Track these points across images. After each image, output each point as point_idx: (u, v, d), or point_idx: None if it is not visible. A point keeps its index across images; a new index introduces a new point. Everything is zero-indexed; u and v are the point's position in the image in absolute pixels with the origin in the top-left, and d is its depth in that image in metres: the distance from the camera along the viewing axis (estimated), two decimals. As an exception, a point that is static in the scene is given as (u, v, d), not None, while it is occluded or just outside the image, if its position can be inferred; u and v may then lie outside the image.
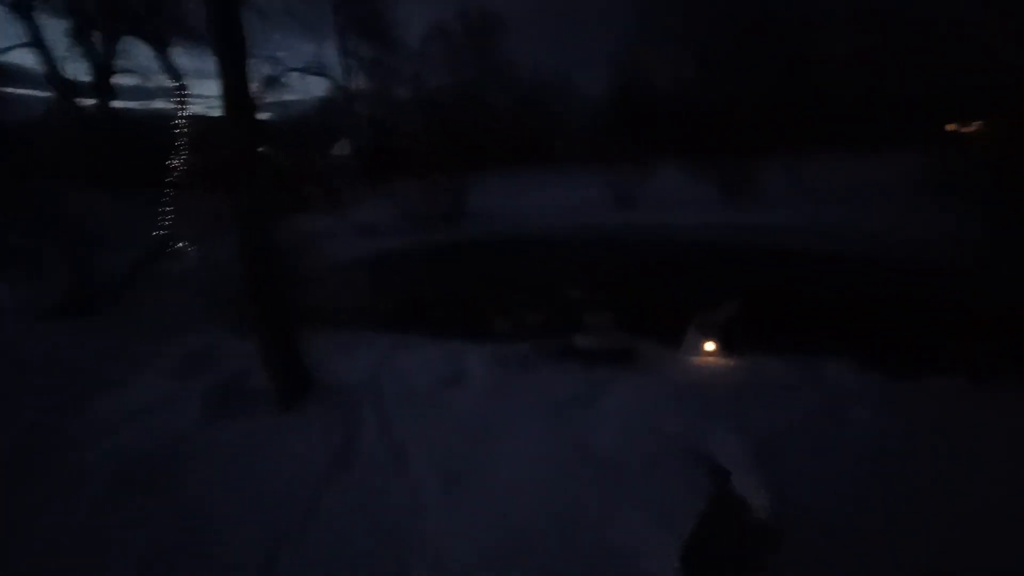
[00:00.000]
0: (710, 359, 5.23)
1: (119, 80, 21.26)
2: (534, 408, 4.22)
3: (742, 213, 14.76)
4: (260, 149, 4.15)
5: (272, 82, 24.38)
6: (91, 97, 20.21)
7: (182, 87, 11.69)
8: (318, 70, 25.01)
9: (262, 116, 11.48)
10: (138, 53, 19.19)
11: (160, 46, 12.50)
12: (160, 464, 3.82)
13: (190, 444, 4.06)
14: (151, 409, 4.67)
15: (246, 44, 4.16)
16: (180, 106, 11.87)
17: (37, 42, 18.51)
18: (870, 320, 6.55)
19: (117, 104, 20.98)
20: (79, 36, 19.22)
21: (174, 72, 11.91)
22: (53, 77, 18.97)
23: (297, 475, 3.64)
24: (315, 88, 27.70)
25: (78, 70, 19.94)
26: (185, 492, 3.55)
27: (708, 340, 5.36)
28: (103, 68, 19.94)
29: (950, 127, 19.72)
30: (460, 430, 4.01)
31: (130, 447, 4.04)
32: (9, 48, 18.70)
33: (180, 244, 10.45)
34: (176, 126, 12.24)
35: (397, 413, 4.37)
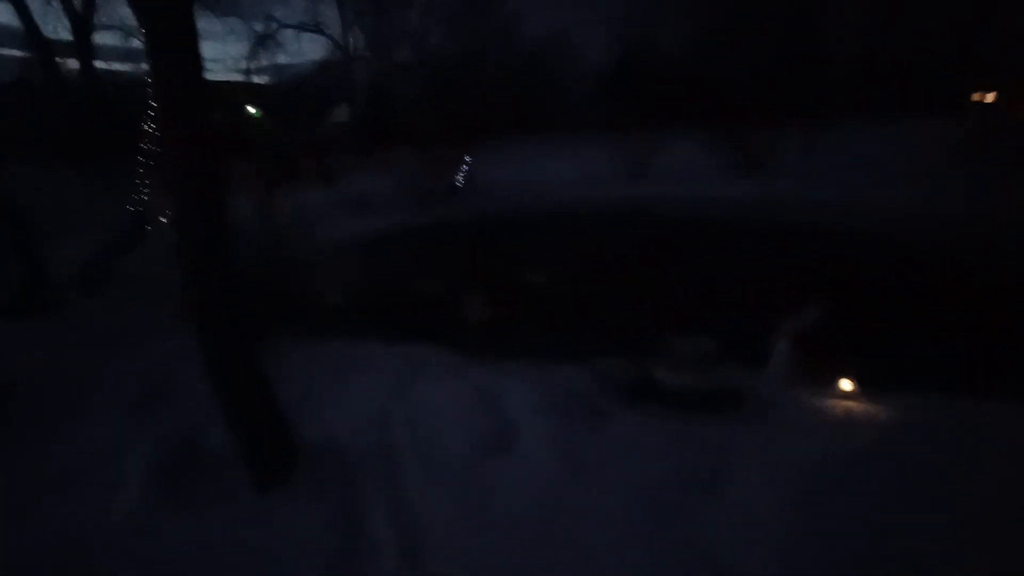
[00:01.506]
0: (850, 401, 3.69)
1: (100, 39, 19.83)
2: (621, 494, 2.80)
3: (762, 185, 13.55)
4: (208, 109, 2.83)
5: (263, 40, 22.84)
6: (70, 57, 18.74)
7: None
8: (314, 27, 23.39)
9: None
10: (121, 9, 17.51)
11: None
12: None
13: (115, 551, 2.67)
14: (71, 485, 3.22)
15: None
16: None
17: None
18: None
19: (98, 65, 19.66)
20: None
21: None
22: (30, 35, 17.45)
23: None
24: (310, 48, 26.12)
25: (57, 27, 18.44)
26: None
27: (823, 366, 3.96)
28: (82, 24, 18.38)
29: (977, 96, 18.40)
30: (511, 530, 2.67)
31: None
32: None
33: (155, 229, 9.02)
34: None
35: (418, 500, 2.95)
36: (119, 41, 19.83)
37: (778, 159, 15.06)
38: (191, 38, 2.68)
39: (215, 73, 22.97)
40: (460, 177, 15.19)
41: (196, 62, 2.72)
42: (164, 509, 2.94)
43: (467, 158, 15.32)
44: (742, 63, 19.83)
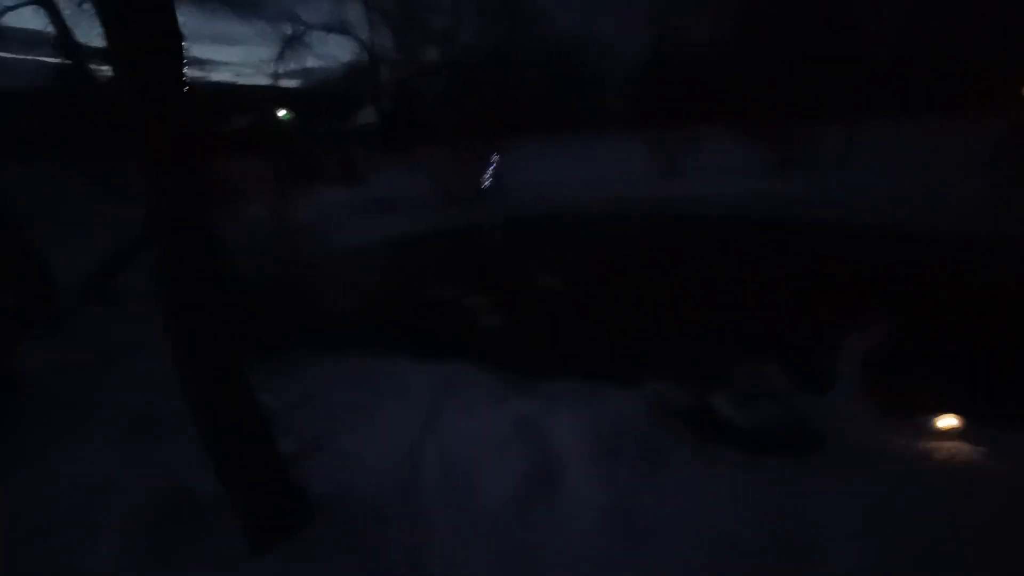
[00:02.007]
0: (952, 441, 3.01)
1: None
2: (686, 558, 2.31)
3: (802, 183, 12.73)
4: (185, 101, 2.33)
5: (290, 42, 22.64)
6: (104, 64, 18.72)
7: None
8: (341, 28, 23.06)
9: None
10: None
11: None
12: None
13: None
14: (47, 531, 2.75)
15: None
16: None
17: (44, 1, 16.95)
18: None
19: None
20: (89, -6, 17.57)
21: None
22: (61, 41, 17.48)
23: None
24: (337, 50, 25.89)
25: (89, 33, 18.45)
26: None
27: (909, 395, 3.44)
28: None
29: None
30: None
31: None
32: (11, 8, 17.21)
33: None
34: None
35: (451, 562, 2.44)
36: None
37: (817, 155, 14.22)
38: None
39: (244, 77, 22.89)
40: (488, 177, 14.66)
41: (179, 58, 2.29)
42: (145, 567, 2.50)
43: (495, 157, 14.78)
44: (777, 56, 18.81)
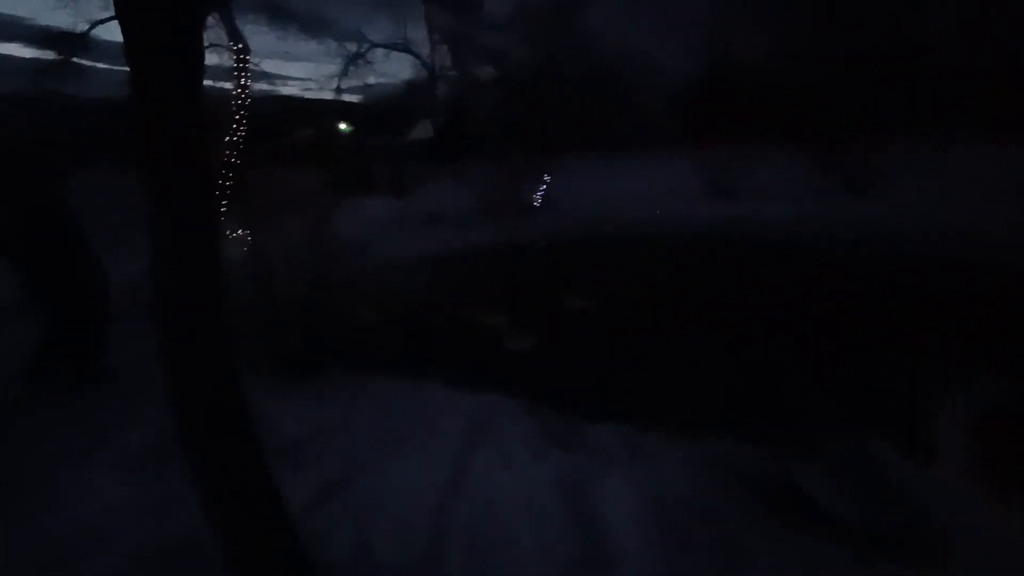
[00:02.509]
0: None
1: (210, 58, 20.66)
2: None
3: (868, 207, 11.78)
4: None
5: (354, 59, 23.09)
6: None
7: (244, 61, 9.88)
8: (403, 46, 23.39)
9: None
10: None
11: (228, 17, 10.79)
12: None
13: None
14: None
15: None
16: (243, 85, 10.03)
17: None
18: None
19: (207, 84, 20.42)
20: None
21: (239, 45, 10.08)
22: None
23: None
24: (398, 67, 26.34)
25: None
26: None
27: None
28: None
29: None
30: None
31: None
32: (101, 21, 18.15)
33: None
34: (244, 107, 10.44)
35: None
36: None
37: (884, 178, 13.16)
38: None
39: (310, 91, 23.53)
40: (538, 195, 14.28)
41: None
42: None
43: (546, 176, 14.40)
44: (842, 70, 17.59)
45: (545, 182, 14.40)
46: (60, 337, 4.53)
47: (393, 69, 29.85)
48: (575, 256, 10.51)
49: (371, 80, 23.73)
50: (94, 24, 17.73)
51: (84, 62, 18.66)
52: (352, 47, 22.61)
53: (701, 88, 21.09)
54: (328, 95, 23.84)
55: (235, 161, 9.06)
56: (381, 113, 25.26)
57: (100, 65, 19.69)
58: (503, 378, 4.40)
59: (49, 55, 17.86)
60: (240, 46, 9.48)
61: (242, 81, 9.25)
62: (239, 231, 8.14)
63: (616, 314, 6.68)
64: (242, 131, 9.11)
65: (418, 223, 12.74)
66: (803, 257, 9.25)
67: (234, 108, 9.28)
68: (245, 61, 9.33)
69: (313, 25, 21.84)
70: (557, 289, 7.68)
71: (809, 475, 2.75)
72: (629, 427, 3.43)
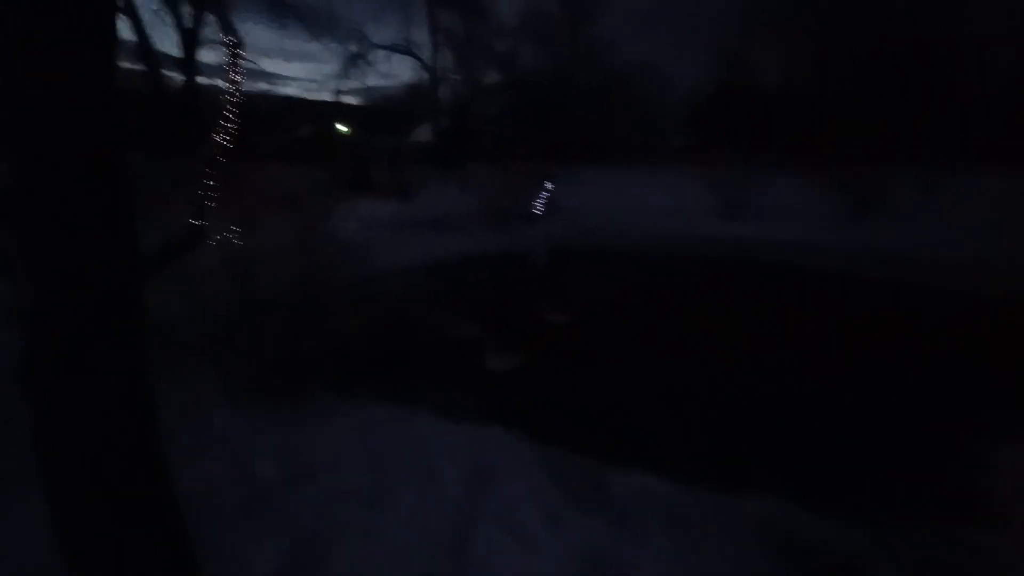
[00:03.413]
0: None
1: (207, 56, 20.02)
2: None
3: (879, 232, 11.30)
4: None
5: (355, 59, 22.60)
6: (177, 71, 18.92)
7: (236, 56, 9.09)
8: (405, 48, 22.91)
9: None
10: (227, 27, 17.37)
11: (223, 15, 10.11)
12: None
13: None
14: None
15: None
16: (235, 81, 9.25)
17: (128, 10, 17.22)
18: None
19: (202, 81, 19.78)
20: (169, 3, 17.81)
21: (232, 39, 9.31)
22: (141, 49, 17.72)
23: None
24: (399, 69, 25.88)
25: (167, 42, 18.70)
26: None
27: None
28: (190, 40, 18.54)
29: None
30: None
31: None
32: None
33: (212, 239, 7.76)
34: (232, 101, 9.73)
35: None
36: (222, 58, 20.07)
37: (895, 202, 12.72)
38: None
39: (310, 91, 23.06)
40: (540, 203, 13.78)
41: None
42: None
43: (548, 184, 13.91)
44: (859, 89, 17.08)
45: (547, 190, 13.91)
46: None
47: (394, 71, 29.49)
48: (573, 267, 10.02)
49: (372, 81, 23.33)
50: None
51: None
52: (353, 48, 22.15)
53: (711, 101, 20.70)
54: (327, 95, 23.38)
55: (223, 159, 8.46)
56: (381, 115, 24.80)
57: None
58: (506, 410, 3.87)
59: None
60: (233, 40, 8.88)
61: (233, 76, 8.64)
62: (224, 233, 7.57)
63: (636, 336, 6.13)
64: (232, 129, 8.50)
65: (415, 228, 12.19)
66: (814, 283, 8.70)
67: (224, 104, 8.68)
68: (237, 56, 8.72)
69: (314, 24, 21.34)
70: (539, 302, 7.15)
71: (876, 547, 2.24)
72: (656, 479, 2.92)
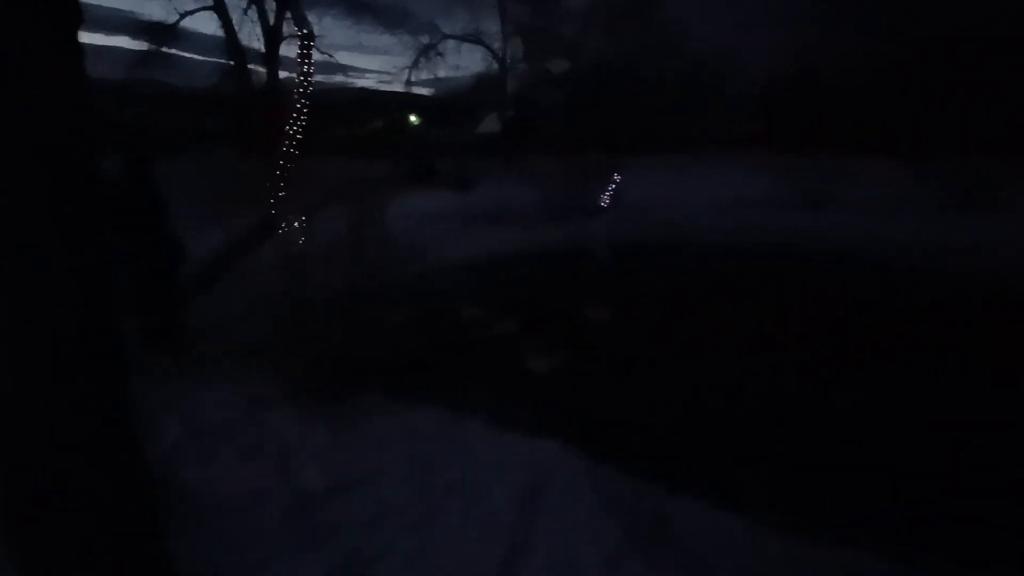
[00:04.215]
0: None
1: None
2: None
3: (994, 229, 9.96)
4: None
5: (426, 51, 22.66)
6: (261, 65, 19.70)
7: (308, 48, 9.16)
8: (475, 38, 22.70)
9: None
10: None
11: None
12: None
13: None
14: None
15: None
16: (306, 72, 9.34)
17: (218, 6, 18.05)
18: None
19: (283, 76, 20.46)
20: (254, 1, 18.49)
21: (303, 31, 9.40)
22: (229, 44, 18.55)
23: None
24: (469, 59, 25.80)
25: (252, 37, 19.50)
26: None
27: None
28: (274, 36, 19.22)
29: None
30: None
31: None
32: (192, 12, 18.44)
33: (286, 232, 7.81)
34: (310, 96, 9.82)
35: None
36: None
37: (994, 195, 11.20)
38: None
39: (383, 84, 23.44)
40: (606, 195, 13.26)
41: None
42: None
43: (616, 176, 13.34)
44: (956, 68, 15.15)
45: (615, 182, 13.35)
46: (145, 317, 4.46)
47: (464, 62, 29.36)
48: (648, 266, 9.41)
49: (441, 73, 23.32)
50: (183, 15, 18.13)
51: (175, 52, 19.18)
52: (425, 39, 22.23)
53: (789, 86, 19.15)
54: (399, 87, 23.66)
55: (294, 151, 8.60)
56: (449, 106, 24.81)
57: (189, 55, 20.22)
58: (563, 423, 3.55)
59: (143, 46, 18.39)
60: (305, 31, 8.97)
61: (305, 68, 8.74)
62: (292, 222, 7.70)
63: (709, 339, 5.56)
64: (303, 121, 8.61)
65: (478, 222, 11.99)
66: (901, 281, 7.77)
67: (296, 97, 8.80)
68: (309, 48, 8.80)
69: (388, 16, 21.53)
70: (604, 301, 6.70)
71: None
72: (735, 520, 2.52)
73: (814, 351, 5.09)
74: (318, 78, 19.78)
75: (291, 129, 8.73)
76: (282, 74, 18.83)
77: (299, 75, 8.76)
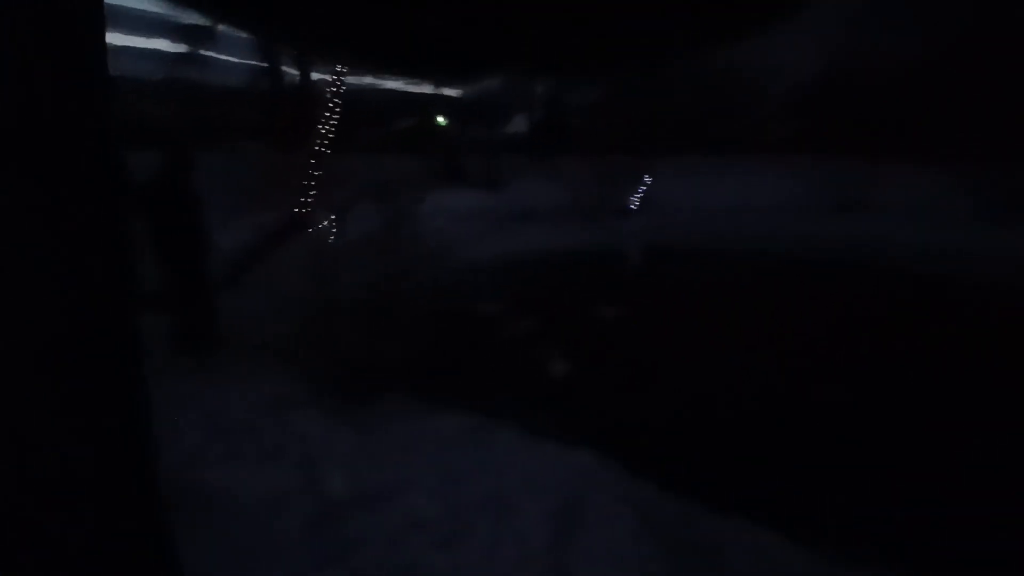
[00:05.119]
0: None
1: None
2: None
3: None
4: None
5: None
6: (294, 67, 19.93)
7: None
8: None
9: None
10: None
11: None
12: None
13: None
14: None
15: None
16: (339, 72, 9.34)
17: (252, 11, 18.22)
18: None
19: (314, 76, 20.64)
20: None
21: None
22: (262, 45, 18.78)
23: None
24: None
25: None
26: None
27: None
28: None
29: None
30: None
31: None
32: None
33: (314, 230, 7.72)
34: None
35: None
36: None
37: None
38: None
39: (411, 83, 23.44)
40: (636, 198, 13.00)
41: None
42: None
43: (647, 178, 13.07)
44: (1000, 76, 14.47)
45: (645, 184, 13.07)
46: (179, 313, 4.47)
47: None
48: (681, 271, 9.05)
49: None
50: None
51: (209, 53, 19.49)
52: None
53: (827, 86, 18.51)
54: (428, 88, 23.65)
55: (325, 150, 8.57)
56: (476, 105, 24.70)
57: (223, 56, 20.53)
58: (600, 435, 3.33)
59: (178, 47, 18.75)
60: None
61: (337, 69, 8.73)
62: (321, 220, 7.66)
63: (747, 351, 5.15)
64: (334, 120, 8.59)
65: (507, 221, 11.85)
66: (947, 290, 7.32)
67: (328, 97, 8.79)
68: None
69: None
70: (634, 306, 6.45)
71: None
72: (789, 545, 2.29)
73: (869, 359, 4.78)
74: (349, 78, 19.89)
75: (322, 128, 8.73)
76: (314, 75, 18.99)
77: (331, 75, 8.76)
